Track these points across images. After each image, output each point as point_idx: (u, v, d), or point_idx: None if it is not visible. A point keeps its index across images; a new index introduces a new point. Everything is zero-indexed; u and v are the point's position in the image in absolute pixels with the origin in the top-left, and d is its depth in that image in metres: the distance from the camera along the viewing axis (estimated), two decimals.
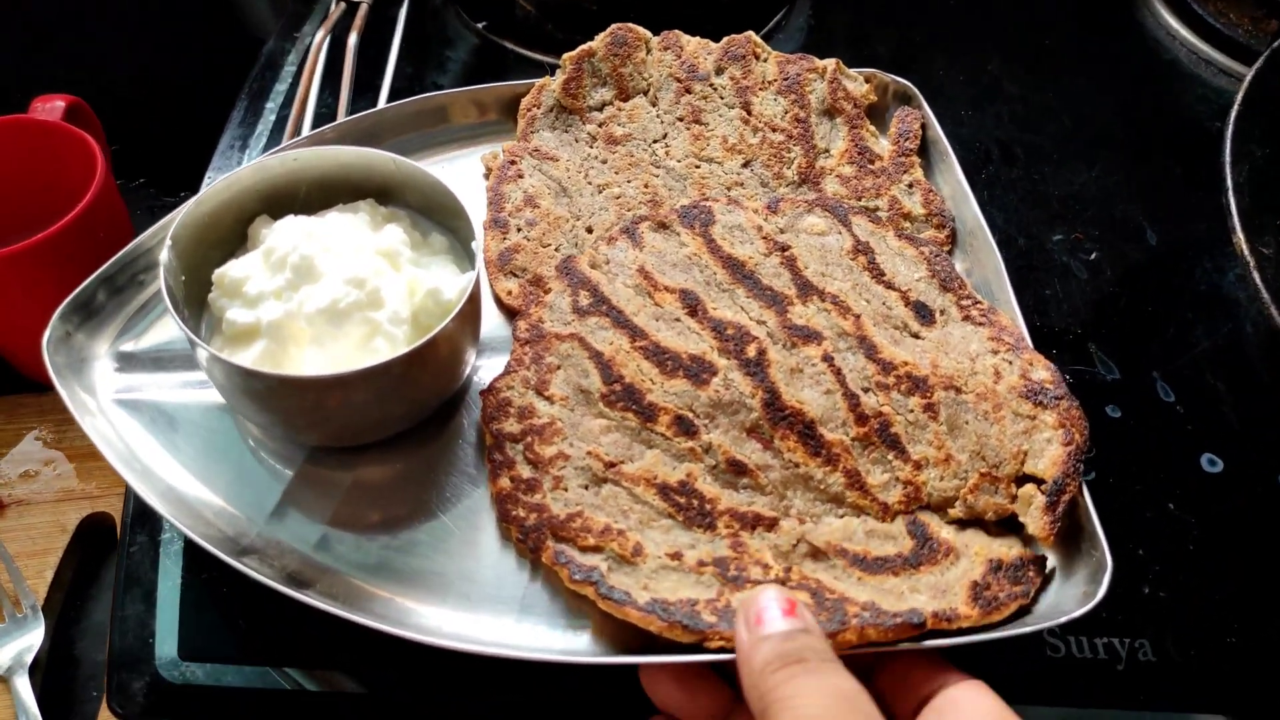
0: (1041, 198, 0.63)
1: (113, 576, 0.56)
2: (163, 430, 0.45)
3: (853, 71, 0.57)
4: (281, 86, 0.71)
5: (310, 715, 0.42)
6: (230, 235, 0.46)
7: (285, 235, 0.43)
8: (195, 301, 0.44)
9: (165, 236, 0.42)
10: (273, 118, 0.69)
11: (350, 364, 0.40)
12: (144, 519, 0.47)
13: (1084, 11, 0.81)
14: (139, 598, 0.45)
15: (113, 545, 0.58)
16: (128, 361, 0.47)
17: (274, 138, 0.68)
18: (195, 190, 0.66)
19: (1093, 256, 0.59)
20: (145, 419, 0.45)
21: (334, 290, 0.41)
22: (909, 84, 0.57)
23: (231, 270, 0.43)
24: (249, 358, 0.41)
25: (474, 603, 0.41)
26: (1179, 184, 0.67)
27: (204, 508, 0.42)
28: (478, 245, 0.43)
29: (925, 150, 0.57)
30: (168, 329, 0.48)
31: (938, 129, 0.56)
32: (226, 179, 0.44)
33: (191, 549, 0.46)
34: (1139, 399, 0.52)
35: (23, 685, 0.50)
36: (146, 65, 0.96)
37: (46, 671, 0.52)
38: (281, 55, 0.74)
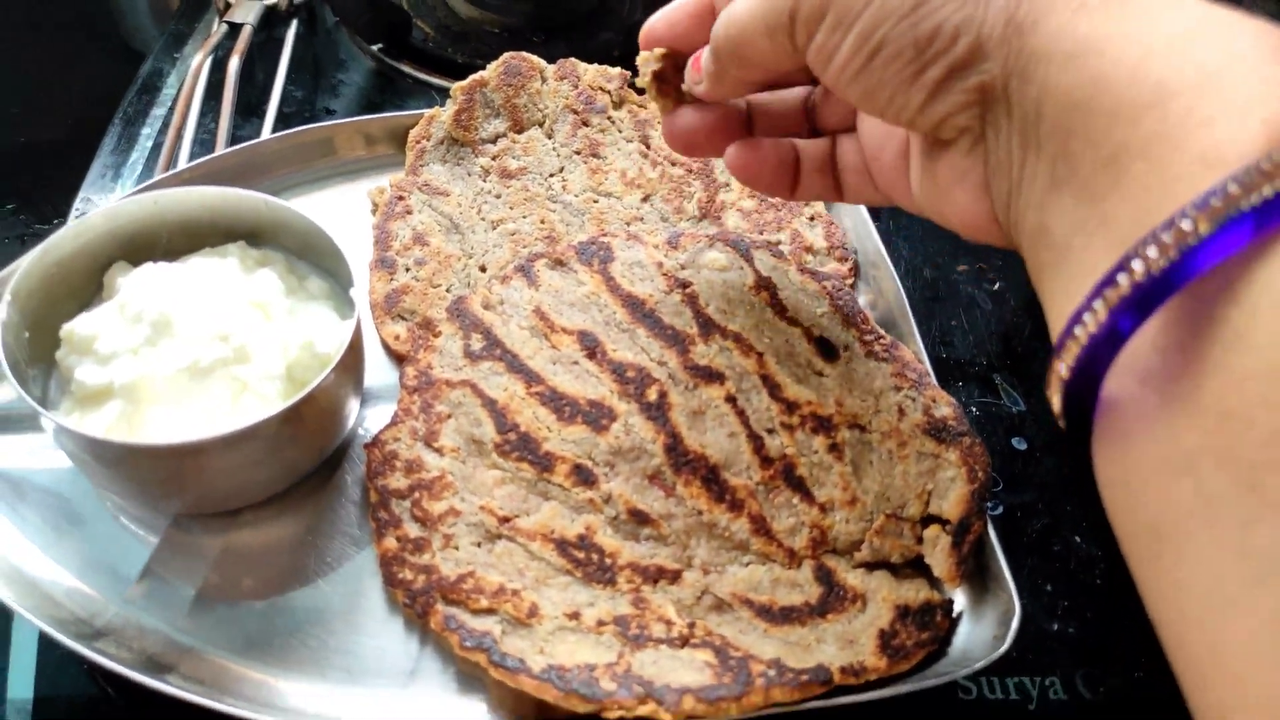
0: (947, 229, 0.63)
1: None
2: (7, 500, 0.41)
3: None
4: (160, 111, 0.67)
5: None
6: (84, 284, 0.42)
7: (142, 285, 0.40)
8: (43, 358, 0.40)
9: (4, 291, 0.39)
10: (149, 144, 0.65)
11: (216, 426, 0.37)
12: None
13: None
14: None
15: None
16: None
17: (150, 166, 0.63)
18: (68, 218, 0.62)
19: (996, 286, 0.59)
20: None
21: (196, 346, 0.38)
22: None
23: (81, 326, 0.39)
24: (101, 422, 0.37)
25: (357, 677, 0.38)
26: None
27: (53, 586, 0.39)
28: (357, 292, 0.41)
29: None
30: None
31: None
32: (76, 226, 0.41)
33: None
34: (1045, 430, 0.52)
35: None
36: (17, 76, 0.90)
37: None
38: (160, 77, 0.70)
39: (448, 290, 0.48)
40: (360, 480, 0.43)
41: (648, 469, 0.42)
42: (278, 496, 0.42)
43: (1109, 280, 0.23)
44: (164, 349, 0.38)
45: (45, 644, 0.40)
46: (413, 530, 0.41)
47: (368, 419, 0.45)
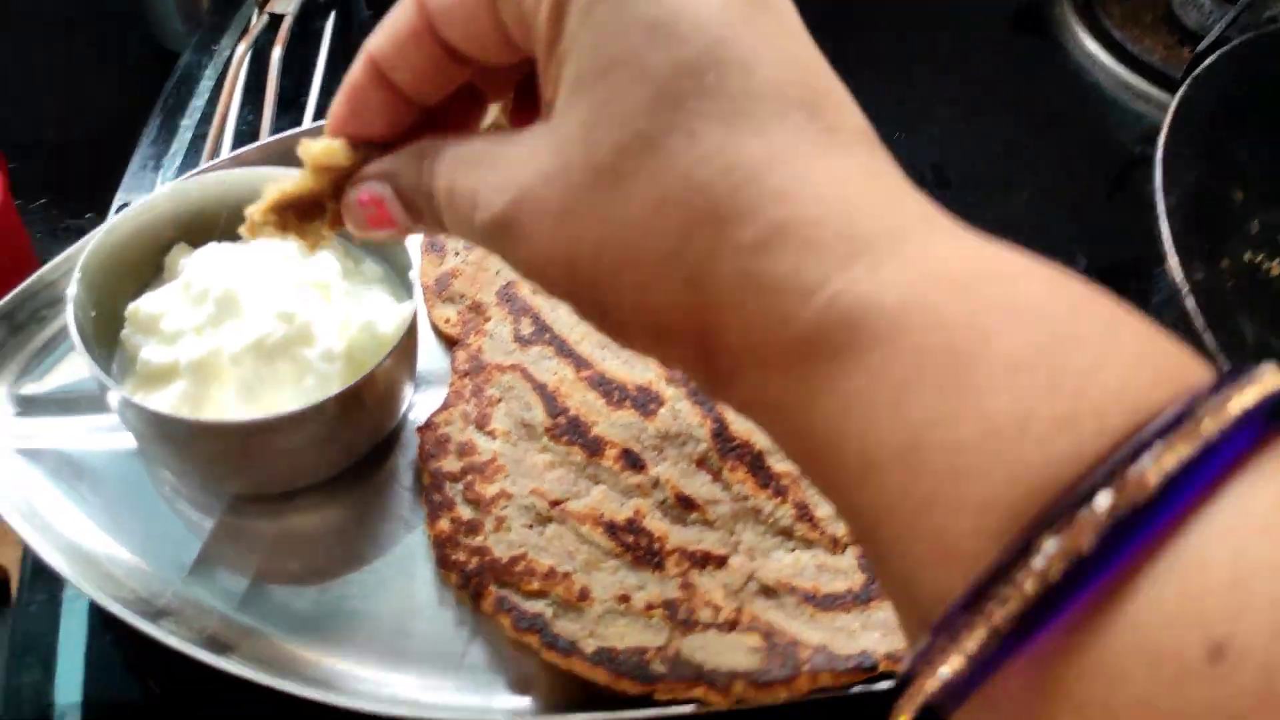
0: (975, 222, 0.64)
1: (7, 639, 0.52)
2: (67, 480, 0.41)
3: None
4: (198, 102, 0.68)
5: None
6: (144, 265, 0.43)
7: (206, 266, 0.40)
8: (106, 339, 0.41)
9: (72, 268, 0.39)
10: (189, 135, 0.66)
11: (279, 405, 0.38)
12: (43, 574, 0.43)
13: (1009, 36, 0.83)
14: (36, 664, 0.41)
15: (6, 601, 0.54)
16: (29, 405, 0.43)
17: (190, 157, 0.64)
18: (103, 212, 0.62)
19: None
20: (48, 468, 0.41)
21: (261, 326, 0.39)
22: None
23: (146, 305, 0.40)
24: (166, 400, 0.38)
25: (410, 661, 0.39)
26: (1106, 207, 0.68)
27: (114, 565, 0.39)
28: (415, 274, 0.41)
29: None
30: (73, 369, 0.44)
31: None
32: (141, 205, 0.41)
33: (99, 607, 0.42)
34: None
35: None
36: (49, 74, 0.91)
37: None
38: (198, 69, 0.70)
39: (497, 273, 0.48)
40: (412, 464, 0.44)
41: (694, 454, 0.43)
42: (331, 481, 0.43)
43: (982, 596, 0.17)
44: (228, 329, 0.39)
45: (92, 647, 0.41)
46: (466, 513, 0.41)
47: (418, 404, 0.46)
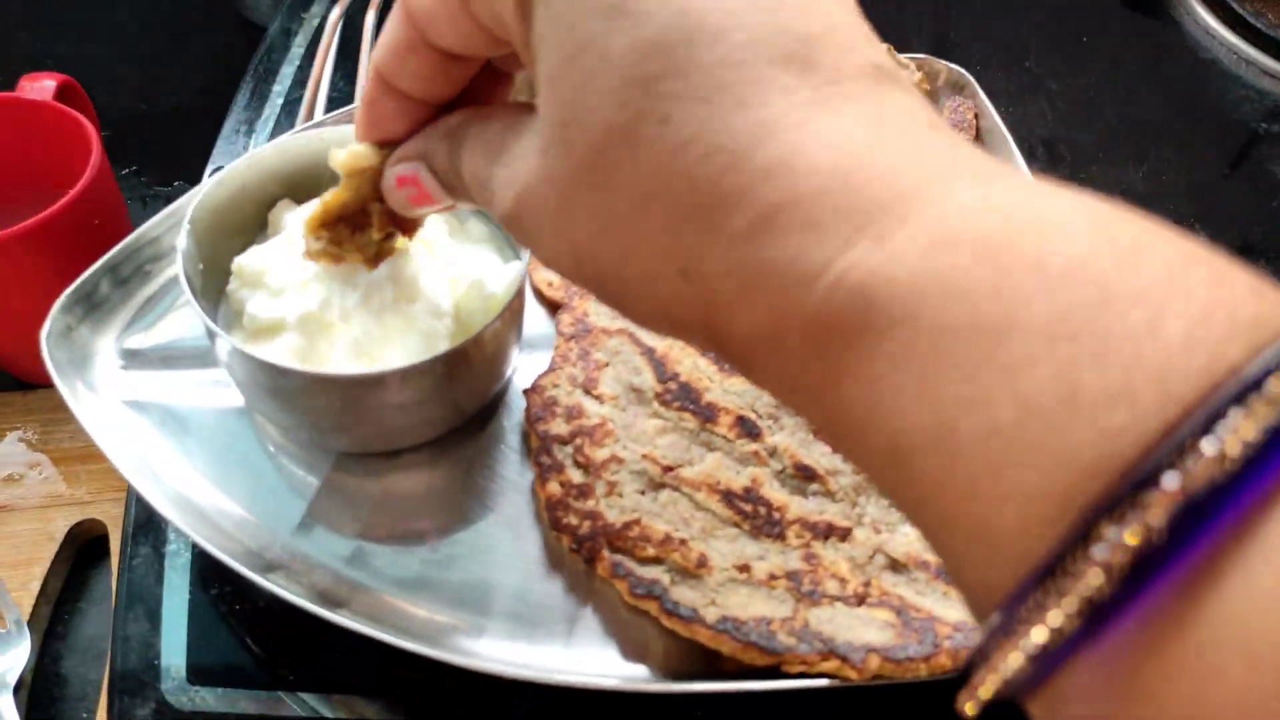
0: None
1: (104, 589, 0.52)
2: (174, 434, 0.41)
3: (903, 58, 0.54)
4: (289, 69, 0.67)
5: None
6: (248, 221, 0.42)
7: None
8: (211, 293, 0.40)
9: (180, 221, 0.39)
10: (280, 101, 0.65)
11: (386, 361, 0.36)
12: (147, 529, 0.43)
13: (1123, 12, 0.79)
14: (142, 615, 0.41)
15: (104, 555, 0.54)
16: (134, 358, 0.42)
17: (282, 122, 0.64)
18: (192, 180, 0.62)
19: None
20: (155, 421, 0.41)
21: (368, 281, 0.37)
22: (963, 71, 0.54)
23: (253, 259, 0.39)
24: (275, 354, 0.37)
25: (521, 623, 0.37)
26: (1227, 184, 0.65)
27: (223, 519, 0.38)
28: None
29: (980, 141, 0.54)
30: (177, 324, 0.44)
31: (995, 118, 0.53)
32: (248, 158, 0.40)
33: (200, 562, 0.42)
34: None
35: (5, 705, 0.45)
36: (136, 46, 0.92)
37: (32, 691, 0.47)
38: (289, 36, 0.70)
39: None
40: (518, 426, 0.43)
41: (812, 424, 0.41)
42: (436, 441, 0.41)
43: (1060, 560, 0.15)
44: (335, 284, 0.38)
45: (194, 602, 0.40)
46: (576, 476, 0.40)
47: (521, 367, 0.44)
